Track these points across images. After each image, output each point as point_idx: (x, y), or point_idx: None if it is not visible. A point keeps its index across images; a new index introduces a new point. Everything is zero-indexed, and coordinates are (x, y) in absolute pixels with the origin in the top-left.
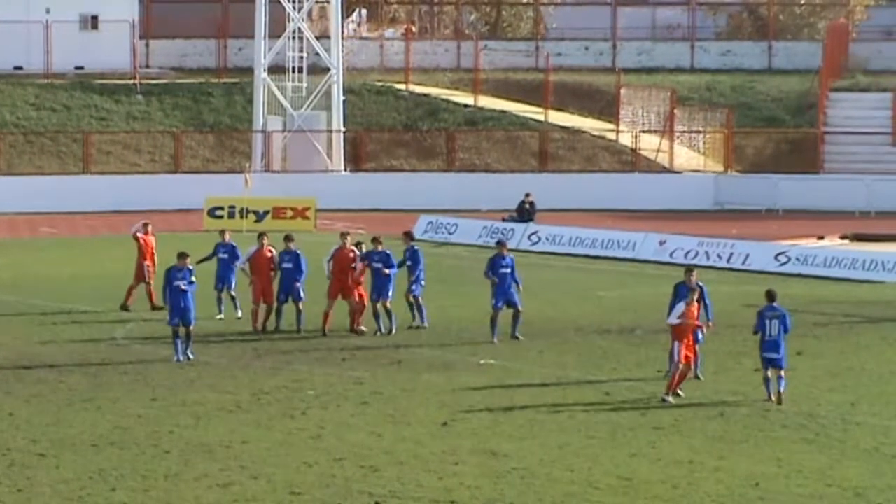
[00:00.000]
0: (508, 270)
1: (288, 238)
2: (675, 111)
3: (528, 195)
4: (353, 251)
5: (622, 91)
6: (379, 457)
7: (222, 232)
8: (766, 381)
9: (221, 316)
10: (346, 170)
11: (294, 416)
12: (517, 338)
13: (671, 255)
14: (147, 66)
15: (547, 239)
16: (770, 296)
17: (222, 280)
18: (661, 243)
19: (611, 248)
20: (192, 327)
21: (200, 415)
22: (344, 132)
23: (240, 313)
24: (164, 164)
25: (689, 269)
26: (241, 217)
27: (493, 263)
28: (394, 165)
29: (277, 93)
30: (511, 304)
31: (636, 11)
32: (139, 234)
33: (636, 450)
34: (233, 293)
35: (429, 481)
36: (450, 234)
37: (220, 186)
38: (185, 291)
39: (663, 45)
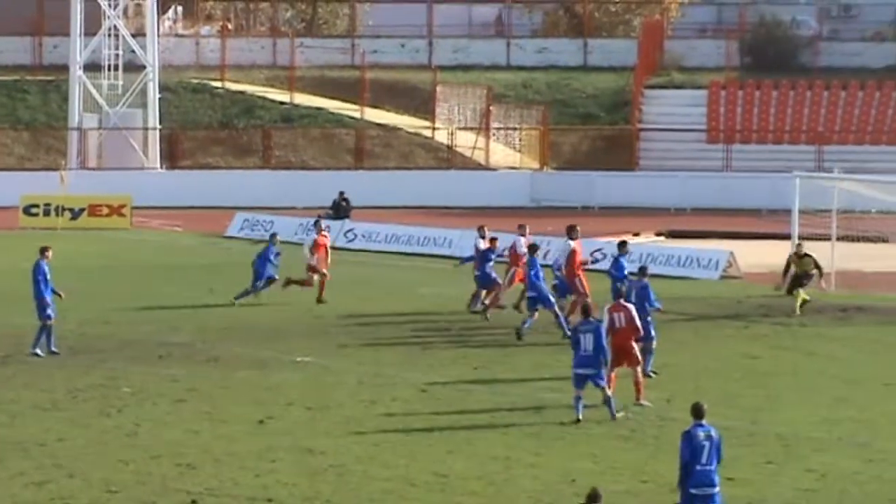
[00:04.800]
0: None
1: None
2: (491, 108)
3: (341, 193)
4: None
5: (438, 88)
6: (195, 454)
7: None
8: (577, 399)
9: None
10: (162, 167)
11: (110, 414)
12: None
13: None
14: None
15: (363, 236)
16: (586, 310)
17: None
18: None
19: (427, 245)
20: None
21: (15, 413)
22: (160, 130)
23: None
24: None
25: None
26: (57, 215)
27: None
28: (210, 163)
29: (93, 90)
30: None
31: (452, 8)
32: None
33: (453, 446)
34: None
35: (245, 479)
36: (266, 231)
37: (36, 184)
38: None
39: (479, 43)
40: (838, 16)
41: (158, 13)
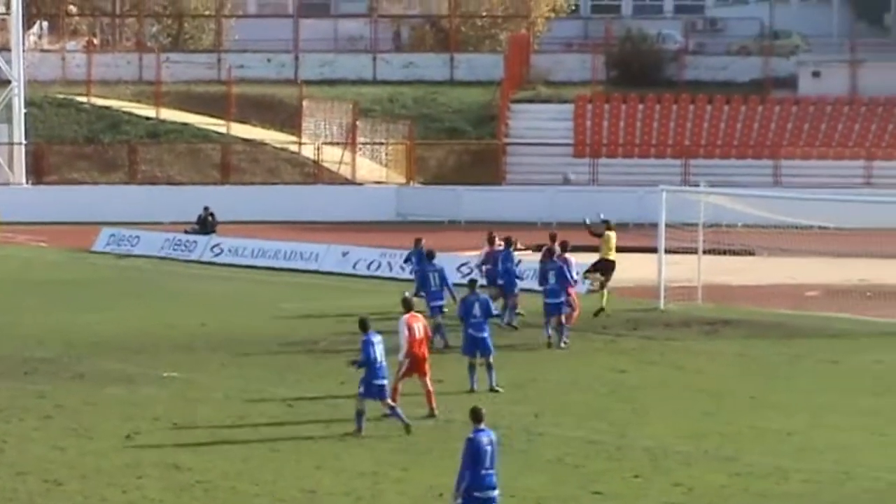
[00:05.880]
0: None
1: None
2: (358, 123)
3: (206, 208)
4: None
5: (304, 103)
6: (62, 471)
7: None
8: (359, 414)
9: None
10: (27, 182)
11: None
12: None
13: (354, 266)
14: None
15: (230, 251)
16: (363, 324)
17: None
18: (344, 254)
19: (294, 260)
20: None
21: None
22: (25, 145)
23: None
24: None
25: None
26: None
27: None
28: (76, 178)
29: None
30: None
31: (318, 23)
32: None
33: (320, 462)
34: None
35: (112, 495)
36: (132, 246)
37: None
38: None
39: (345, 57)
40: (704, 30)
41: (23, 28)
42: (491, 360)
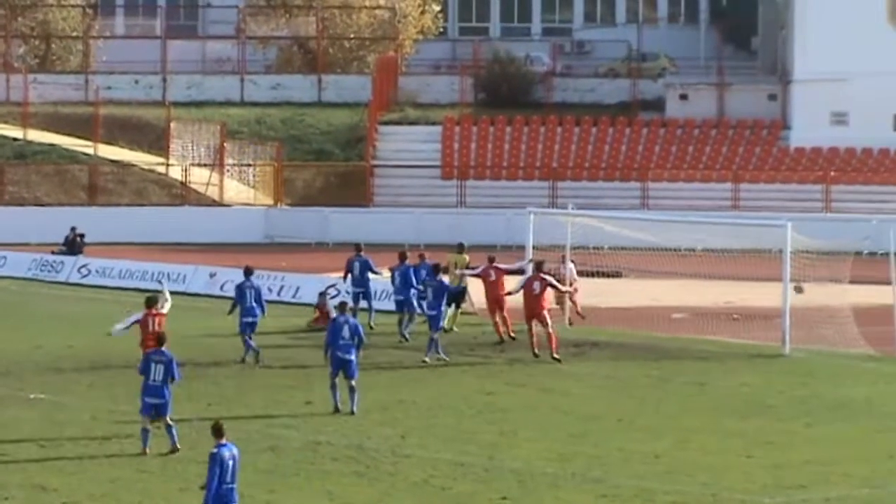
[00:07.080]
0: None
1: None
2: (225, 145)
3: (73, 229)
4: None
5: (172, 124)
6: None
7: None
8: (144, 431)
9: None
10: None
11: None
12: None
13: (222, 287)
14: None
15: (97, 272)
16: (160, 340)
17: None
18: (212, 276)
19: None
20: None
21: None
22: None
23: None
24: None
25: None
26: None
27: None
28: None
29: None
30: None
31: (186, 45)
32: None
33: (187, 483)
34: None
35: None
36: None
37: None
38: None
39: (213, 79)
40: (572, 52)
41: None
42: (354, 383)
